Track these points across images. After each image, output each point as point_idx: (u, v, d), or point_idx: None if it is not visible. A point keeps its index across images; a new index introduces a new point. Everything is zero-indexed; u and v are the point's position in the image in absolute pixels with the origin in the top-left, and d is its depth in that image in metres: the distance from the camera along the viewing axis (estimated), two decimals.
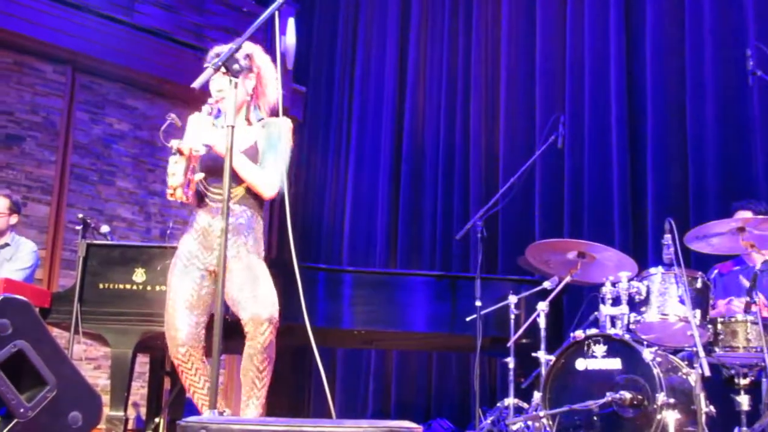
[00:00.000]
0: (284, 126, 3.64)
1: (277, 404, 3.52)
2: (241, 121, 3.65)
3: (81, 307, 4.35)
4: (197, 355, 3.55)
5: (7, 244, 5.16)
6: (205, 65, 3.00)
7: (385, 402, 7.36)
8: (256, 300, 3.44)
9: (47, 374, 2.24)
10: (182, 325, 3.50)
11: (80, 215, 4.76)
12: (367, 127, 8.13)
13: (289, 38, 3.75)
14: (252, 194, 3.59)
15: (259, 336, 3.42)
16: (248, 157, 3.55)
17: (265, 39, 7.63)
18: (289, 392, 7.66)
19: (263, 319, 3.41)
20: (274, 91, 3.68)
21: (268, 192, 3.56)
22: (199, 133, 3.40)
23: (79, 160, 7.28)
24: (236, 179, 3.52)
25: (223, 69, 2.87)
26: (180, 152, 3.30)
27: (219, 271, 2.75)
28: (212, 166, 3.53)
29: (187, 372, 3.55)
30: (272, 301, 3.46)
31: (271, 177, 3.55)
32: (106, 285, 4.42)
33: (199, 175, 3.49)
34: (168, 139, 3.12)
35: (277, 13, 3.14)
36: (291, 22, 3.81)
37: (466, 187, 7.20)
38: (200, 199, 3.65)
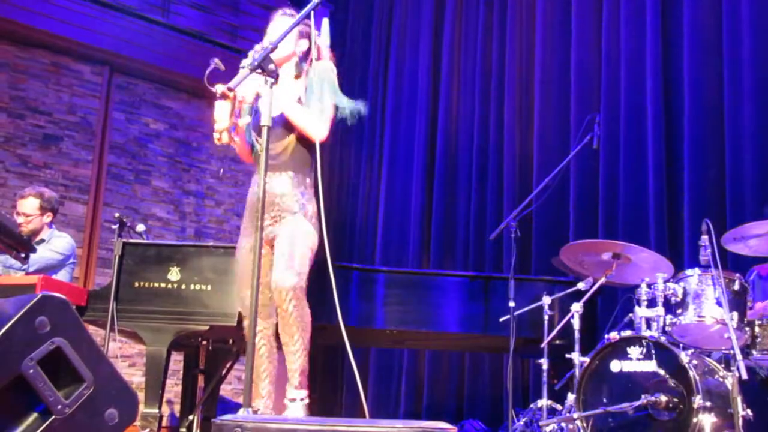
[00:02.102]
0: (323, 67, 3.69)
1: (309, 403, 3.52)
2: (289, 73, 3.72)
3: (117, 305, 4.40)
4: (266, 332, 3.60)
5: (42, 240, 5.21)
6: (241, 65, 3.02)
7: (417, 402, 7.35)
8: (283, 268, 3.46)
9: (84, 371, 2.26)
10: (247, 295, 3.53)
11: (117, 214, 4.81)
12: (401, 126, 8.13)
13: (323, 38, 3.76)
14: (300, 151, 3.63)
15: (283, 304, 3.44)
16: None
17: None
18: (321, 391, 7.68)
19: (286, 288, 3.43)
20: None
21: (317, 134, 3.58)
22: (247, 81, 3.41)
23: (115, 160, 7.36)
24: (286, 131, 3.56)
25: (258, 69, 2.87)
26: (225, 96, 3.32)
27: (255, 253, 2.74)
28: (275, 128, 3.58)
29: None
30: (297, 270, 3.47)
31: (318, 120, 3.59)
32: (142, 283, 4.47)
33: (245, 120, 3.50)
34: (213, 83, 3.13)
35: (311, 13, 3.16)
36: (325, 23, 3.83)
37: (500, 188, 7.17)
38: (257, 159, 3.66)
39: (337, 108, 3.68)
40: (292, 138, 3.64)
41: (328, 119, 3.63)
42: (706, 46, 5.94)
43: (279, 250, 3.54)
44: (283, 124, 3.65)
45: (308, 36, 3.74)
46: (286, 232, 3.56)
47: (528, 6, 7.35)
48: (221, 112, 3.42)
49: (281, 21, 3.69)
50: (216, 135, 3.46)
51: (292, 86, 3.70)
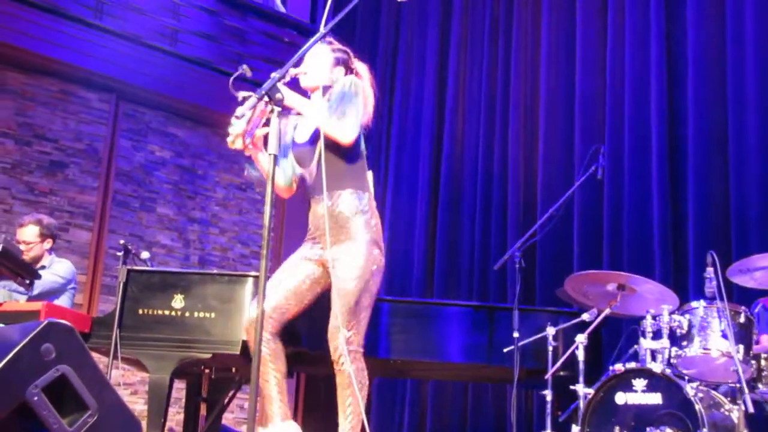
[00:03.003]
0: (346, 79, 3.56)
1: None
2: (319, 97, 3.60)
3: (120, 332, 4.39)
4: (272, 345, 3.52)
5: (43, 266, 5.22)
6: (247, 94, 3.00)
7: None
8: (336, 319, 3.39)
9: (89, 399, 2.26)
10: (271, 299, 3.49)
11: (122, 241, 4.81)
12: (405, 155, 8.15)
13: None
14: (349, 173, 3.51)
15: (337, 363, 3.41)
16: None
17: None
18: (325, 421, 7.63)
19: (338, 344, 3.39)
20: (370, 103, 3.63)
21: (344, 138, 3.43)
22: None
23: (121, 187, 7.39)
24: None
25: (266, 98, 2.88)
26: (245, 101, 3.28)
27: (261, 276, 2.73)
28: (298, 156, 3.55)
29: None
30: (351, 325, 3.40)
31: (344, 124, 3.43)
32: (146, 311, 4.46)
33: (263, 130, 3.42)
34: (238, 89, 3.08)
35: (319, 42, 3.18)
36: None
37: (504, 218, 7.17)
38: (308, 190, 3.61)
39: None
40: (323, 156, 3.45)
41: (356, 123, 3.46)
42: (710, 76, 5.97)
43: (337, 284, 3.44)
44: (314, 144, 3.55)
45: (345, 63, 3.66)
46: (348, 258, 3.46)
47: (533, 35, 7.40)
48: (239, 117, 3.34)
49: (316, 46, 3.63)
50: (230, 138, 3.38)
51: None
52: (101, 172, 7.27)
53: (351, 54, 3.71)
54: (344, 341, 3.39)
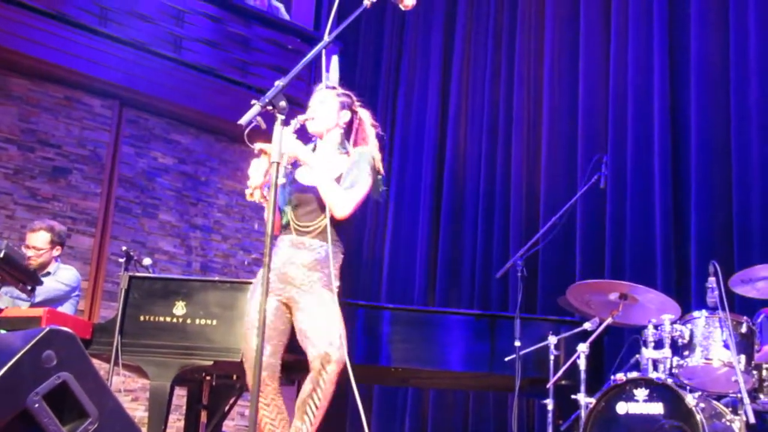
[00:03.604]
0: (367, 152, 3.68)
1: None
2: (333, 147, 3.71)
3: (121, 338, 4.39)
4: (272, 384, 3.57)
5: (48, 273, 5.22)
6: (252, 102, 3.02)
7: None
8: (321, 337, 3.46)
9: (90, 407, 2.26)
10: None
11: (124, 248, 4.82)
12: (408, 165, 8.16)
13: (332, 76, 3.81)
14: (334, 227, 3.59)
15: (320, 374, 3.45)
16: None
17: (310, 76, 7.76)
18: (325, 429, 7.61)
19: (325, 358, 3.43)
20: (373, 145, 3.76)
21: (339, 212, 3.56)
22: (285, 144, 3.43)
23: (123, 193, 7.39)
24: (320, 208, 3.56)
25: (269, 106, 2.88)
26: (263, 152, 3.34)
27: (264, 283, 2.74)
28: (301, 197, 3.59)
29: (261, 401, 3.54)
30: (334, 341, 3.48)
31: (345, 197, 3.56)
32: (147, 317, 4.46)
33: (280, 180, 3.49)
34: (251, 139, 3.12)
35: (323, 51, 3.19)
36: (335, 61, 3.88)
37: (507, 226, 7.17)
38: (285, 227, 3.67)
39: (372, 189, 3.70)
40: (324, 221, 3.59)
41: (356, 199, 3.61)
42: (713, 86, 5.97)
43: (310, 316, 3.57)
44: (318, 205, 3.66)
45: (350, 107, 3.76)
46: (314, 300, 3.60)
47: (536, 44, 7.41)
48: (256, 169, 3.44)
49: (321, 92, 3.72)
50: (248, 191, 3.47)
51: (333, 161, 3.68)
52: (104, 179, 7.28)
53: (354, 98, 3.81)
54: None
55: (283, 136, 2.94)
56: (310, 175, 3.67)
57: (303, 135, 3.70)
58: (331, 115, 3.69)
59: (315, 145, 3.77)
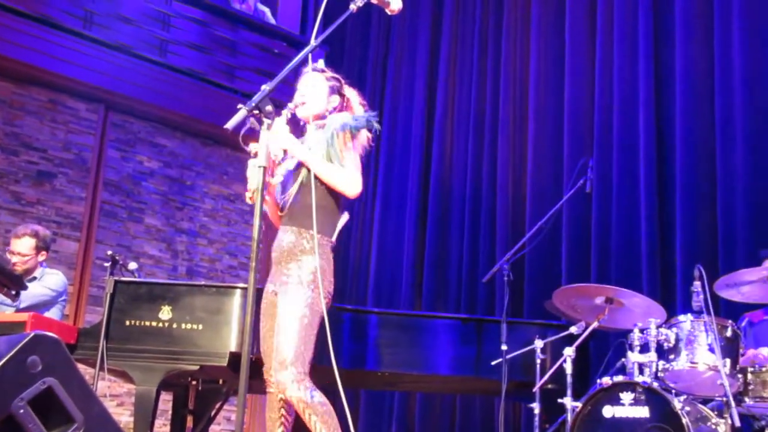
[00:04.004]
0: (339, 119, 3.56)
1: None
2: (315, 129, 3.61)
3: (107, 343, 4.37)
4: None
5: (34, 278, 5.19)
6: (239, 106, 3.00)
7: None
8: (278, 352, 3.30)
9: (75, 412, 2.24)
10: (267, 349, 3.44)
11: (109, 252, 4.78)
12: (394, 168, 8.17)
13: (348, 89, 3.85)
14: (320, 210, 3.42)
15: (279, 391, 3.31)
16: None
17: (296, 79, 7.75)
18: None
19: (279, 376, 3.27)
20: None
21: (351, 190, 3.46)
22: (276, 137, 3.38)
23: (108, 197, 7.36)
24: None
25: (256, 111, 2.87)
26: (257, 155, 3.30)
27: (249, 288, 2.71)
28: (287, 183, 3.55)
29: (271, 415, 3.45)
30: (292, 359, 3.26)
31: (347, 176, 3.45)
32: (133, 322, 4.44)
33: (277, 179, 3.46)
34: (246, 142, 3.09)
35: (309, 56, 3.18)
36: (321, 64, 3.88)
37: (493, 231, 7.18)
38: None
39: (362, 160, 3.56)
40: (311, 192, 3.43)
41: (355, 174, 3.48)
42: (698, 90, 6.01)
43: (278, 321, 3.39)
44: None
45: (339, 92, 3.69)
46: (285, 299, 3.40)
47: (522, 49, 7.43)
48: (253, 171, 3.37)
49: (310, 76, 3.66)
50: (248, 194, 3.40)
51: (314, 137, 3.58)
52: (89, 183, 7.24)
53: (342, 81, 3.74)
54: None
55: (276, 128, 2.88)
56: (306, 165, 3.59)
57: (293, 124, 3.64)
58: (321, 100, 3.60)
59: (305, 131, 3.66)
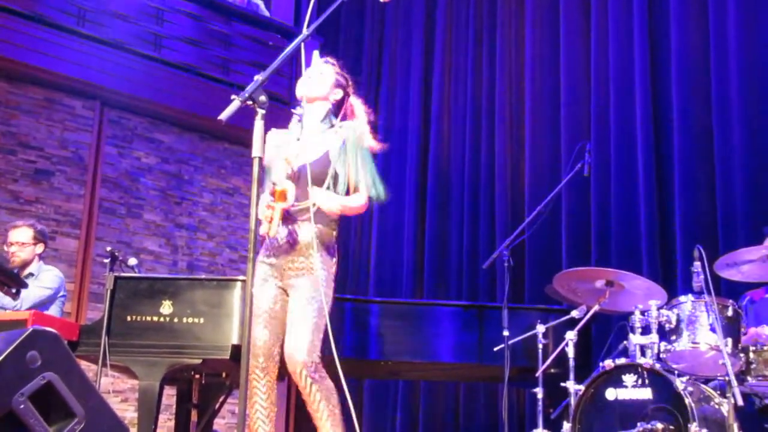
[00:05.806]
0: (361, 132, 3.62)
1: None
2: (317, 124, 3.64)
3: (109, 339, 4.37)
4: (272, 373, 3.52)
5: (31, 274, 5.20)
6: (232, 97, 2.99)
7: None
8: (296, 339, 3.37)
9: (76, 406, 2.24)
10: (260, 335, 3.47)
11: (108, 248, 4.79)
12: (392, 157, 8.15)
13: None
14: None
15: (297, 379, 3.37)
16: (318, 166, 3.51)
17: (291, 72, 7.74)
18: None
19: (295, 363, 3.34)
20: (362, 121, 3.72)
21: (363, 210, 3.62)
22: (281, 150, 3.49)
23: (107, 194, 7.35)
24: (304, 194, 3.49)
25: (249, 101, 2.86)
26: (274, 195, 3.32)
27: (247, 295, 2.72)
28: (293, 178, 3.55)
29: (258, 389, 3.48)
30: (308, 346, 3.35)
31: (361, 198, 3.57)
32: (134, 317, 4.45)
33: (289, 203, 3.43)
34: (242, 142, 3.09)
35: (302, 46, 3.17)
36: (315, 55, 3.87)
37: (492, 217, 7.18)
38: None
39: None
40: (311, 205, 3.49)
41: (367, 192, 3.60)
42: (694, 72, 6.00)
43: (295, 306, 3.46)
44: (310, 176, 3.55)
45: (344, 88, 3.71)
46: (307, 283, 3.47)
47: (517, 35, 7.42)
48: (271, 213, 3.33)
49: (321, 63, 3.69)
50: (263, 229, 3.36)
51: (320, 137, 3.59)
52: (87, 180, 7.23)
53: (350, 81, 3.78)
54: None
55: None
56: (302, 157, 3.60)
57: (286, 120, 3.65)
58: (325, 85, 3.65)
59: (301, 118, 3.64)
